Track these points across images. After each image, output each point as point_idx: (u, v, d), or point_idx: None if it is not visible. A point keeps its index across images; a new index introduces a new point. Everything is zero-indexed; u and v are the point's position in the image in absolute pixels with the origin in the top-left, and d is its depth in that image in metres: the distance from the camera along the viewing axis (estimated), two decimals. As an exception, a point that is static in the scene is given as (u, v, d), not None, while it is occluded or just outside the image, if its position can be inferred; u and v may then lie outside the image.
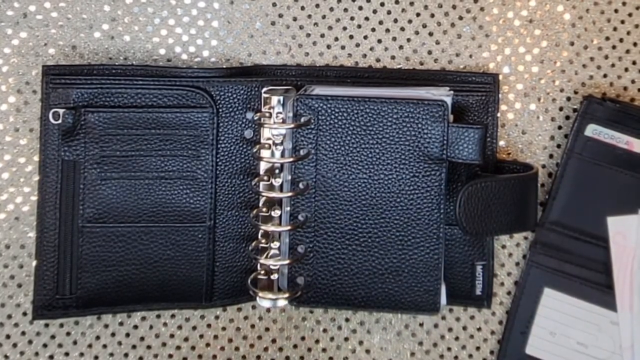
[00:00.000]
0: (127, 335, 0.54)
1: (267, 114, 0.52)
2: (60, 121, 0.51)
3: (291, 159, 0.51)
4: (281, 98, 0.51)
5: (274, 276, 0.52)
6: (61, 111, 0.51)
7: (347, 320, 0.55)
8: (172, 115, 0.51)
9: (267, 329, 0.55)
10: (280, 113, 0.51)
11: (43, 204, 0.51)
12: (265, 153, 0.52)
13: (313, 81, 0.53)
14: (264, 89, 0.52)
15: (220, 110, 0.52)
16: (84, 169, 0.51)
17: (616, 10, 0.56)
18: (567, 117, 0.56)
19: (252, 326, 0.55)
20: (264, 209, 0.52)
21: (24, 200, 0.54)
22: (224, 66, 0.55)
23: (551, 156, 0.56)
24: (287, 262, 0.51)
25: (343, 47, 0.56)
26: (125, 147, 0.51)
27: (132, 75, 0.52)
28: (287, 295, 0.51)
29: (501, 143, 0.56)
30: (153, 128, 0.51)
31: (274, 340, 0.55)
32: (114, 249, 0.51)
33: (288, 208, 0.51)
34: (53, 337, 0.54)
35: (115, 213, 0.51)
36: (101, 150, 0.51)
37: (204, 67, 0.55)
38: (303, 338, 0.55)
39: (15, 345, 0.54)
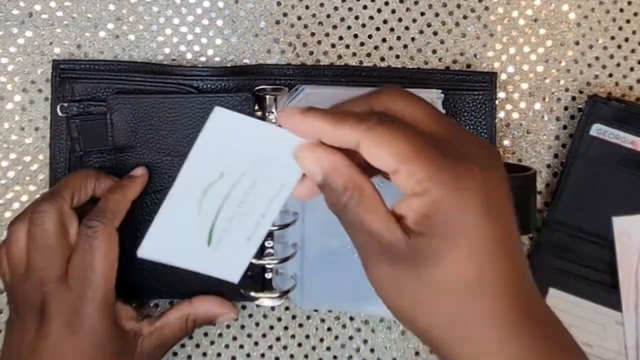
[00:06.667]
0: (132, 333, 0.55)
1: (260, 113, 0.51)
2: (68, 114, 0.51)
3: None
4: (272, 97, 0.51)
5: (268, 275, 0.52)
6: (69, 105, 0.51)
7: (351, 319, 0.55)
8: None
9: (271, 327, 0.55)
10: (273, 112, 0.51)
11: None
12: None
13: (315, 81, 0.53)
14: (256, 89, 0.52)
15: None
16: (90, 163, 0.51)
17: (622, 10, 0.56)
18: (572, 117, 0.56)
19: (257, 324, 0.55)
20: None
21: (29, 198, 0.54)
22: (229, 65, 0.55)
23: (556, 156, 0.56)
24: (278, 259, 0.51)
25: (347, 46, 0.56)
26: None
27: (136, 72, 0.52)
28: (279, 294, 0.51)
29: (506, 142, 0.56)
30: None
31: (278, 339, 0.55)
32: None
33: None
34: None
35: None
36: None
37: (207, 65, 0.55)
38: (307, 336, 0.55)
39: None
